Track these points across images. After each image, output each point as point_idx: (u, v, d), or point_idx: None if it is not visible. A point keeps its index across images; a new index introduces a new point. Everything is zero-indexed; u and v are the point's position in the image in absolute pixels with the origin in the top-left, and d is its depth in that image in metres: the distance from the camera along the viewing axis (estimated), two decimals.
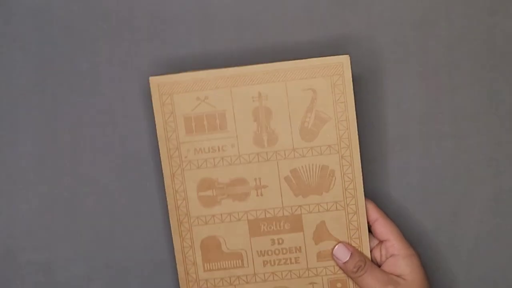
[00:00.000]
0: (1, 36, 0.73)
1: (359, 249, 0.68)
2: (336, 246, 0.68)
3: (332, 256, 0.68)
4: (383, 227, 0.68)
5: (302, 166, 0.67)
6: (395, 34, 0.73)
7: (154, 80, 0.67)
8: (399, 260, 0.67)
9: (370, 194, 0.73)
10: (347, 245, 0.68)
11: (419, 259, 0.67)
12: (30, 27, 0.73)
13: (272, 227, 0.68)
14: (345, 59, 0.66)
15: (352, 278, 0.68)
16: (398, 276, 0.67)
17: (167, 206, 0.73)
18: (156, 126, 0.67)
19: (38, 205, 0.74)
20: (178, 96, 0.67)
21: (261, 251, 0.68)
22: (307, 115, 0.67)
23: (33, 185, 0.73)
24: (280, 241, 0.68)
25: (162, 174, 0.73)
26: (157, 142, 0.73)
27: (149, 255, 0.74)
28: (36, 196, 0.73)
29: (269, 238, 0.68)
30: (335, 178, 0.67)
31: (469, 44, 0.74)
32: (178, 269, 0.69)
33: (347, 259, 0.67)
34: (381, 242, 0.68)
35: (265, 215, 0.68)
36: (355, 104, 0.73)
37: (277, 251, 0.68)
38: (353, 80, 0.72)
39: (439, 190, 0.73)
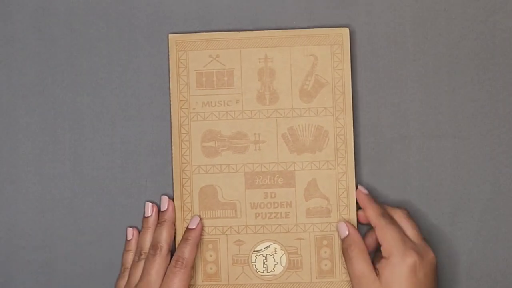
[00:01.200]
0: (1, 36, 0.73)
1: (346, 207, 0.72)
2: (339, 223, 0.71)
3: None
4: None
5: (299, 125, 0.72)
6: (395, 34, 0.73)
7: (172, 37, 0.73)
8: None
9: (370, 194, 0.73)
10: (348, 224, 0.70)
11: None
12: (30, 27, 0.73)
13: (266, 181, 0.72)
14: (344, 31, 0.72)
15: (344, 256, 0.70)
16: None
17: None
18: (170, 80, 0.73)
19: (38, 205, 0.73)
20: (193, 53, 0.73)
21: (254, 204, 0.72)
22: (307, 79, 0.72)
23: (33, 185, 0.73)
24: (273, 195, 0.72)
25: (162, 173, 0.73)
26: (157, 143, 0.73)
27: None
28: (36, 196, 0.73)
29: (262, 191, 0.72)
30: (328, 139, 0.72)
31: (469, 44, 0.73)
32: (175, 216, 0.72)
33: (343, 237, 0.70)
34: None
35: (261, 168, 0.72)
36: (354, 96, 0.73)
37: (269, 205, 0.72)
38: (352, 79, 0.73)
39: (439, 190, 0.73)
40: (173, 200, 0.72)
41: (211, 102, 0.72)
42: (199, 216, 0.72)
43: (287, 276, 0.72)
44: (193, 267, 0.71)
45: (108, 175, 0.73)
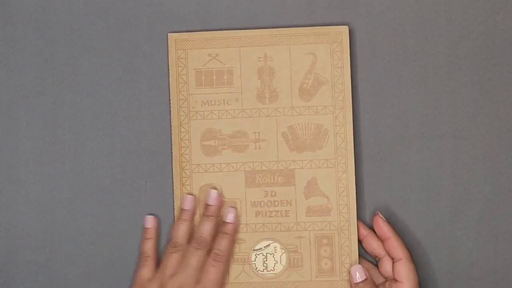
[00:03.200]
0: (1, 36, 0.73)
1: (346, 206, 0.72)
2: (354, 266, 0.70)
3: (349, 271, 0.71)
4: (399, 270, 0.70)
5: (298, 124, 0.72)
6: (395, 34, 0.73)
7: (172, 36, 0.73)
8: None
9: (370, 194, 0.73)
10: (365, 269, 0.70)
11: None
12: (30, 27, 0.73)
13: (267, 180, 0.72)
14: (344, 29, 0.72)
15: None
16: None
17: (167, 206, 0.73)
18: (170, 79, 0.73)
19: (38, 205, 0.73)
20: (192, 52, 0.73)
21: (254, 202, 0.72)
22: (306, 77, 0.73)
23: (33, 185, 0.73)
24: (273, 194, 0.72)
25: (162, 173, 0.73)
26: (157, 143, 0.73)
27: None
28: (36, 196, 0.73)
29: (263, 190, 0.72)
30: (328, 137, 0.72)
31: (469, 44, 0.74)
32: (175, 215, 0.72)
33: (360, 280, 0.70)
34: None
35: (261, 167, 0.73)
36: (355, 93, 0.73)
37: (269, 203, 0.72)
38: (352, 77, 0.73)
39: (439, 190, 0.73)
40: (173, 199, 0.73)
41: (211, 101, 0.73)
42: (235, 208, 0.72)
43: (287, 275, 0.72)
44: (229, 262, 0.71)
45: (108, 175, 0.73)
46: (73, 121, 0.73)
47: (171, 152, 0.73)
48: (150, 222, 0.72)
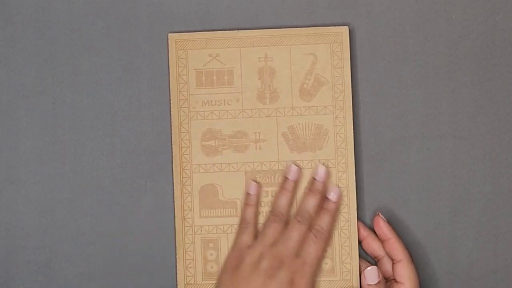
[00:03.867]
0: (1, 36, 0.73)
1: (346, 205, 0.72)
2: (370, 268, 0.70)
3: (363, 273, 0.70)
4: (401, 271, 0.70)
5: (299, 124, 0.73)
6: (395, 34, 0.73)
7: (172, 36, 0.73)
8: None
9: (370, 194, 0.73)
10: (379, 270, 0.70)
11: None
12: (30, 27, 0.73)
13: (267, 180, 0.73)
14: (344, 29, 0.72)
15: None
16: None
17: (167, 206, 0.73)
18: (170, 79, 0.73)
19: (38, 205, 0.73)
20: (192, 52, 0.73)
21: None
22: (306, 77, 0.73)
23: (33, 185, 0.73)
24: (273, 194, 0.72)
25: (162, 173, 0.73)
26: (157, 143, 0.73)
27: (149, 255, 0.74)
28: (36, 196, 0.73)
29: (263, 190, 0.73)
30: (328, 137, 0.72)
31: (469, 44, 0.74)
32: (175, 215, 0.72)
33: (374, 283, 0.69)
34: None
35: (262, 167, 0.73)
36: (355, 93, 0.73)
37: (269, 203, 0.72)
38: (352, 78, 0.73)
39: (439, 190, 0.73)
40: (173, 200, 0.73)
41: (211, 101, 0.73)
42: (338, 188, 0.71)
43: None
44: (328, 240, 0.71)
45: (108, 175, 0.73)
46: (73, 121, 0.73)
47: (171, 152, 0.73)
48: (253, 188, 0.72)
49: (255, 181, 0.72)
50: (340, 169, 0.72)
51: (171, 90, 0.73)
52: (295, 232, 0.68)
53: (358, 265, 0.72)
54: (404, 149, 0.73)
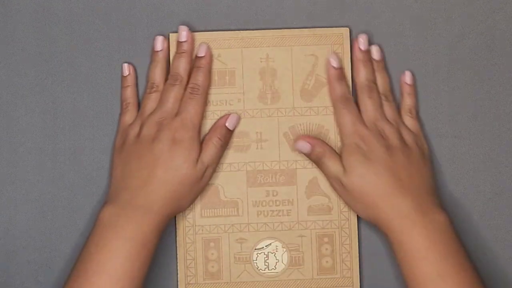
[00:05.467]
0: (1, 36, 0.73)
1: (347, 206, 0.72)
2: (298, 141, 0.71)
3: (296, 148, 0.72)
4: None
5: (300, 124, 0.73)
6: (395, 34, 0.74)
7: (173, 36, 0.72)
8: None
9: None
10: (308, 138, 0.71)
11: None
12: (30, 27, 0.73)
13: (268, 179, 0.73)
14: (345, 31, 0.73)
15: (317, 165, 0.71)
16: None
17: None
18: None
19: (38, 205, 0.73)
20: (194, 52, 0.72)
21: (256, 202, 0.73)
22: (308, 78, 0.73)
23: (33, 185, 0.73)
24: (275, 193, 0.73)
25: None
26: None
27: None
28: (36, 196, 0.73)
29: (264, 190, 0.73)
30: (329, 138, 0.73)
31: (469, 44, 0.74)
32: (176, 215, 0.72)
33: (309, 151, 0.71)
34: None
35: (263, 167, 0.73)
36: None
37: (271, 203, 0.73)
38: (352, 79, 0.73)
39: (439, 190, 0.73)
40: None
41: (213, 101, 0.73)
42: (206, 43, 0.71)
43: (288, 273, 0.72)
44: (207, 95, 0.72)
45: (108, 175, 0.73)
46: (73, 121, 0.73)
47: None
48: (127, 69, 0.72)
49: (127, 63, 0.72)
50: None
51: None
52: (170, 94, 0.70)
53: (358, 263, 0.72)
54: None
